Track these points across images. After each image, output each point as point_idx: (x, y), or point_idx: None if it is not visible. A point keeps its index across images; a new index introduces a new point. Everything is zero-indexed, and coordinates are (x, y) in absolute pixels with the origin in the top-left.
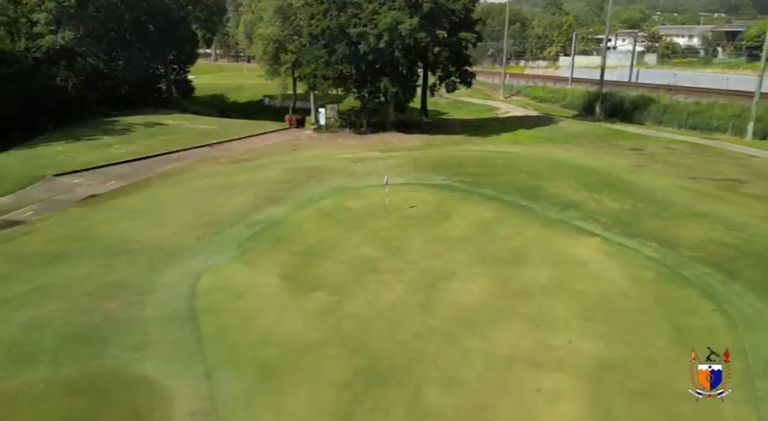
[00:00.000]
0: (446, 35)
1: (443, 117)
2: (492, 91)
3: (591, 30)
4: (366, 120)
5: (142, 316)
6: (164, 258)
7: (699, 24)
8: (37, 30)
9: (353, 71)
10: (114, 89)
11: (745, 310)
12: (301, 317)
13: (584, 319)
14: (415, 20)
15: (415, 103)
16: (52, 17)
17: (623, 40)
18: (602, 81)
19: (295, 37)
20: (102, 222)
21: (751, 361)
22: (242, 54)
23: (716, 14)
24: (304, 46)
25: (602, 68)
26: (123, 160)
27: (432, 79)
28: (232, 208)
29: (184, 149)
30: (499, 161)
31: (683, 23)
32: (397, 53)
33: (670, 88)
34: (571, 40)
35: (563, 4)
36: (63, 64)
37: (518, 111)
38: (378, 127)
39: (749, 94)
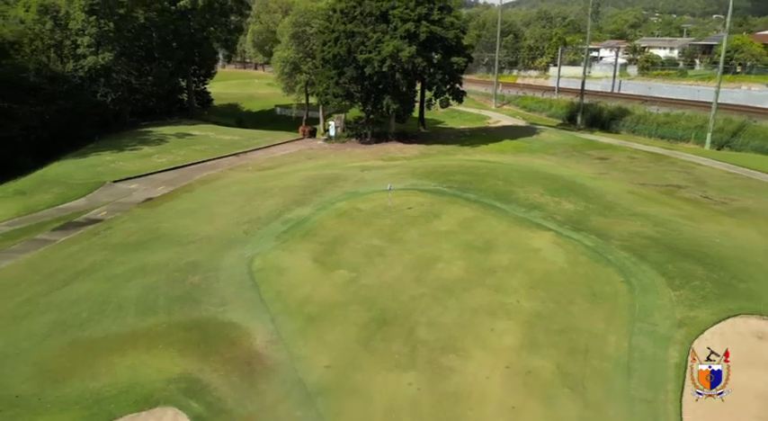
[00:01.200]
0: (440, 59)
1: (440, 126)
2: (485, 100)
3: (580, 40)
4: (370, 131)
5: (218, 285)
6: (222, 247)
7: (682, 34)
8: (80, 51)
9: (360, 90)
10: (144, 102)
11: (644, 281)
12: (330, 286)
13: (530, 287)
14: (414, 47)
15: (416, 113)
16: (93, 40)
17: (610, 50)
18: (582, 94)
19: (308, 59)
20: (163, 220)
21: (636, 311)
22: (249, 61)
23: (714, 16)
24: (317, 67)
25: (583, 83)
26: (166, 168)
27: (428, 95)
28: (267, 209)
29: (215, 158)
30: (483, 170)
31: (679, 24)
32: (397, 75)
33: (645, 99)
34: (564, 46)
35: (561, 6)
36: (102, 81)
37: (507, 121)
38: (381, 137)
39: (707, 105)
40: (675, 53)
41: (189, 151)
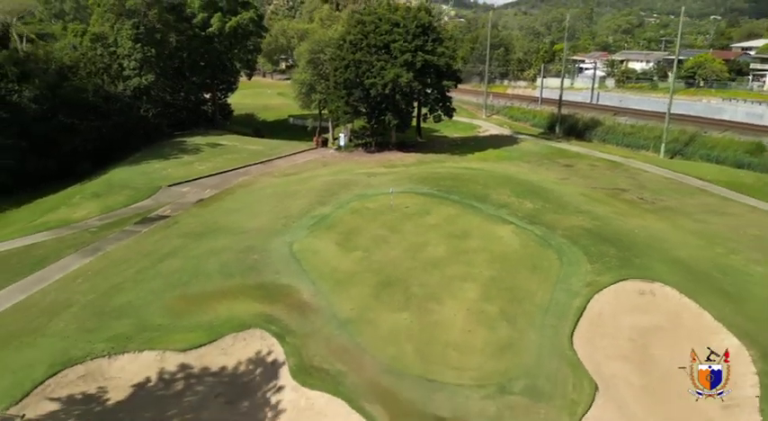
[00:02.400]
0: (433, 81)
1: (435, 134)
2: (477, 110)
3: (565, 51)
4: (374, 141)
5: (271, 261)
6: (268, 235)
7: (661, 45)
8: (126, 73)
9: (366, 107)
10: (176, 114)
11: (572, 258)
12: (350, 262)
13: (490, 262)
14: (411, 74)
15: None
16: (138, 64)
17: (594, 62)
18: (560, 106)
19: (322, 80)
20: (217, 216)
21: (561, 277)
22: (258, 69)
23: (711, 17)
24: (329, 89)
25: (560, 96)
26: (208, 174)
27: (424, 110)
28: (297, 208)
29: (246, 166)
30: (466, 176)
31: (676, 26)
32: (397, 96)
33: (618, 111)
34: (548, 62)
35: (560, 8)
36: (144, 99)
37: (494, 130)
38: (383, 146)
39: (677, 117)
40: (651, 66)
41: (223, 160)
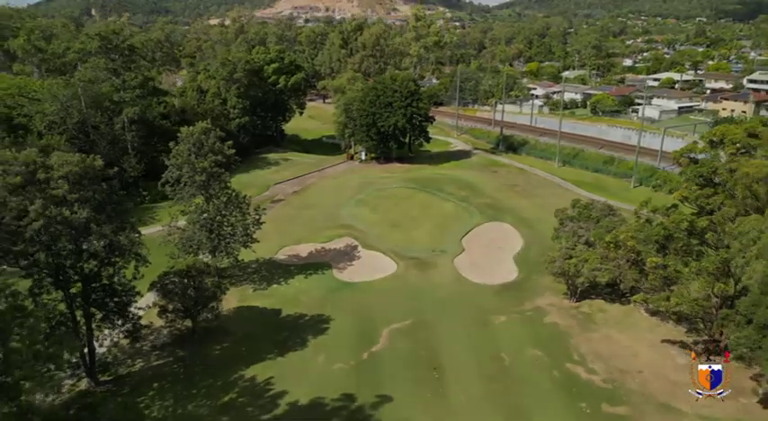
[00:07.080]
0: (417, 122)
1: (421, 149)
2: (451, 130)
3: (524, 79)
4: (382, 156)
5: (342, 217)
6: (336, 207)
7: (592, 76)
8: (231, 116)
9: (378, 138)
10: (255, 138)
11: (473, 214)
12: (376, 217)
13: (438, 217)
14: (404, 120)
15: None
16: (239, 111)
17: (543, 89)
18: (501, 129)
19: (351, 121)
20: (307, 199)
21: (467, 221)
22: None
23: (697, 19)
24: (356, 127)
25: (502, 123)
26: (291, 178)
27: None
28: (346, 195)
29: (310, 172)
30: (434, 177)
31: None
32: (396, 132)
33: (544, 132)
34: (506, 91)
35: (551, 16)
36: (242, 131)
37: (460, 146)
38: (388, 159)
39: (579, 137)
40: (579, 96)
41: (294, 169)
